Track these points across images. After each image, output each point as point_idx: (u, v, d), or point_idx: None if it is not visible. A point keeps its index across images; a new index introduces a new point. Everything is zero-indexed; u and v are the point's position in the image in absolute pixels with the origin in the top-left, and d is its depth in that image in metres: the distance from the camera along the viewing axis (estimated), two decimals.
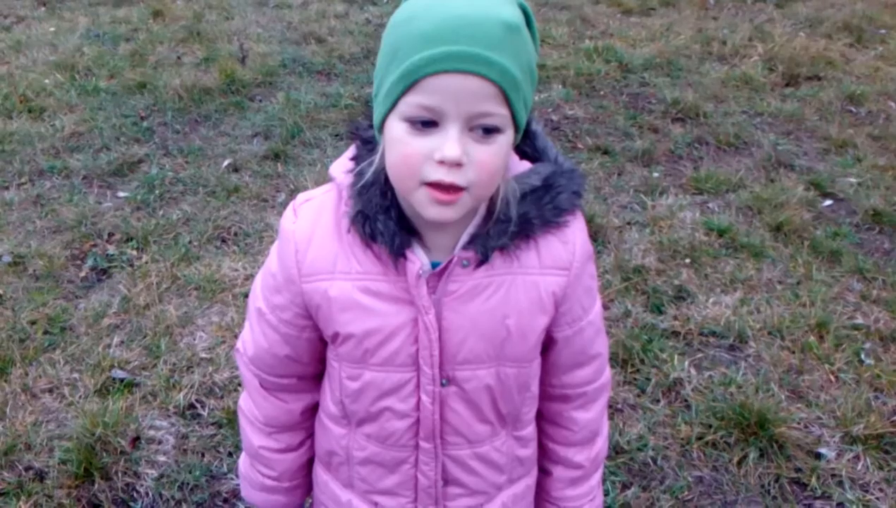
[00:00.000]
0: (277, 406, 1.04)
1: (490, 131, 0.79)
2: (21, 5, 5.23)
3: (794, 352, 2.31)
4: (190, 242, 2.77)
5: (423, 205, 0.81)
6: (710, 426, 2.03)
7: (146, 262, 2.64)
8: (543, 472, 1.09)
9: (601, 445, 1.09)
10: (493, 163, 0.80)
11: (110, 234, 2.80)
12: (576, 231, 0.92)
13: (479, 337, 0.90)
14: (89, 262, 2.65)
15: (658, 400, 2.13)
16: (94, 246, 2.75)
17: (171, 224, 2.88)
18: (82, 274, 2.61)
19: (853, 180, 3.31)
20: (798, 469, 1.93)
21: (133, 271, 2.60)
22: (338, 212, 0.89)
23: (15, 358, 2.19)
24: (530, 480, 1.07)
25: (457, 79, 0.76)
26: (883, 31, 5.13)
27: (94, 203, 3.02)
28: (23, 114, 3.68)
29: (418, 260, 0.87)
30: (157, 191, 3.08)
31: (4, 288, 2.50)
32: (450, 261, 0.87)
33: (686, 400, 2.13)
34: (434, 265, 0.88)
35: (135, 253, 2.70)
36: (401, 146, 0.79)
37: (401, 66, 0.78)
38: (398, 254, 0.86)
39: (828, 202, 3.17)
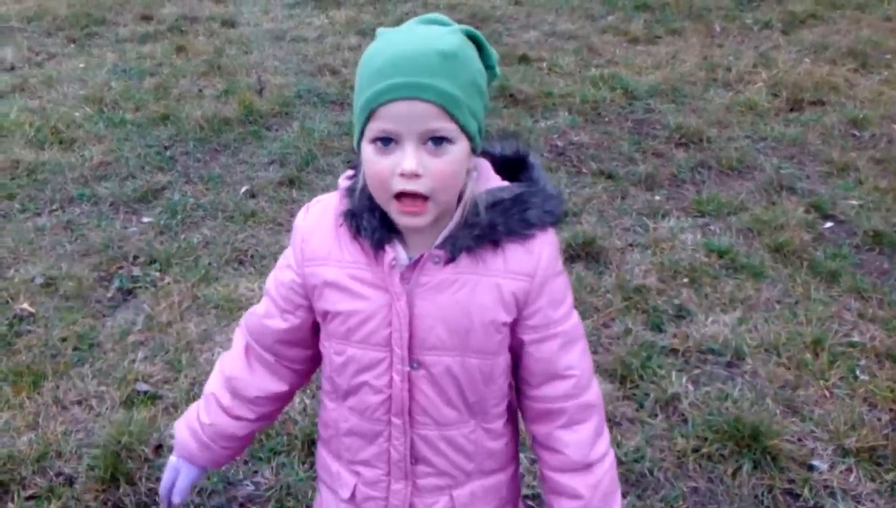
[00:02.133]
0: (244, 370, 1.16)
1: (441, 142, 0.93)
2: (52, 42, 5.47)
3: (789, 369, 2.37)
4: (209, 264, 2.91)
5: (397, 217, 0.97)
6: (706, 439, 2.10)
7: (168, 283, 2.78)
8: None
9: (602, 476, 1.07)
10: (446, 170, 0.94)
11: (135, 257, 2.96)
12: (543, 244, 1.03)
13: (445, 327, 1.02)
14: (116, 283, 2.80)
15: (656, 415, 2.20)
16: (121, 268, 2.90)
17: (192, 247, 3.02)
18: (109, 294, 2.76)
19: (854, 202, 3.38)
20: (791, 481, 2.00)
21: (156, 291, 2.74)
22: (338, 211, 1.05)
23: (47, 373, 2.33)
24: (504, 476, 1.15)
25: (404, 104, 0.91)
26: (888, 56, 5.19)
27: (121, 228, 3.18)
28: (54, 145, 3.87)
29: (393, 252, 1.00)
30: (178, 217, 3.24)
31: (37, 308, 2.65)
32: (422, 256, 1.01)
33: (683, 415, 2.20)
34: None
35: (158, 274, 2.85)
36: (371, 164, 0.95)
37: (361, 99, 0.95)
38: (378, 247, 1.00)
39: (828, 224, 3.23)
